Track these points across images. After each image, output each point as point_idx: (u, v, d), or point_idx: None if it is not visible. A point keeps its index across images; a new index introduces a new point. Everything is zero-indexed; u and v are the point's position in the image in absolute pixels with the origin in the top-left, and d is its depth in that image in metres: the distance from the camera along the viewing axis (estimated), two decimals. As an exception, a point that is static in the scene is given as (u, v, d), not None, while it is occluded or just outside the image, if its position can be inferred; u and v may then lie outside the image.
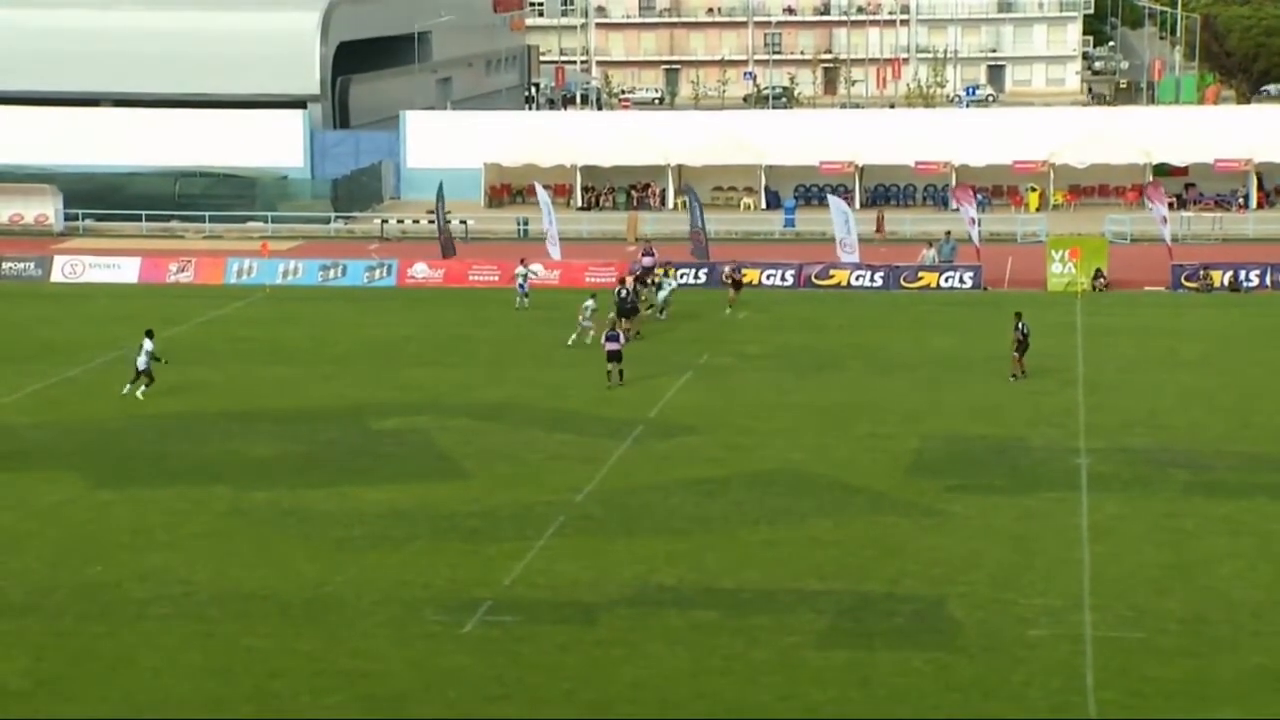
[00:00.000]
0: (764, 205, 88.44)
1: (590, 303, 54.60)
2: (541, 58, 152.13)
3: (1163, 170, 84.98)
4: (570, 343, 54.21)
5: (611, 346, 49.03)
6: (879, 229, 77.90)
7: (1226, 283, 65.45)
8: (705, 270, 68.10)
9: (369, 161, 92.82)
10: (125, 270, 71.30)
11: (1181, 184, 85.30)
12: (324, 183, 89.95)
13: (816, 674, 28.13)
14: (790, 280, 67.63)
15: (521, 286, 62.58)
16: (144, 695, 27.52)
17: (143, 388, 47.44)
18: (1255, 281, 65.60)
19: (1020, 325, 49.63)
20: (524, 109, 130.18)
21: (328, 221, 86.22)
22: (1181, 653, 28.80)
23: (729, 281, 62.33)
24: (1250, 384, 48.02)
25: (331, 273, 70.15)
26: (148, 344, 48.07)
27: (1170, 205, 74.62)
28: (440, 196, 74.30)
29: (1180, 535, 35.21)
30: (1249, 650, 28.84)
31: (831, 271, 67.85)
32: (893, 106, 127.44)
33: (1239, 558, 33.64)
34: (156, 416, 45.88)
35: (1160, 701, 26.83)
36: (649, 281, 61.41)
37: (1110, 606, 30.88)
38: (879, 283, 67.21)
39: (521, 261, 64.13)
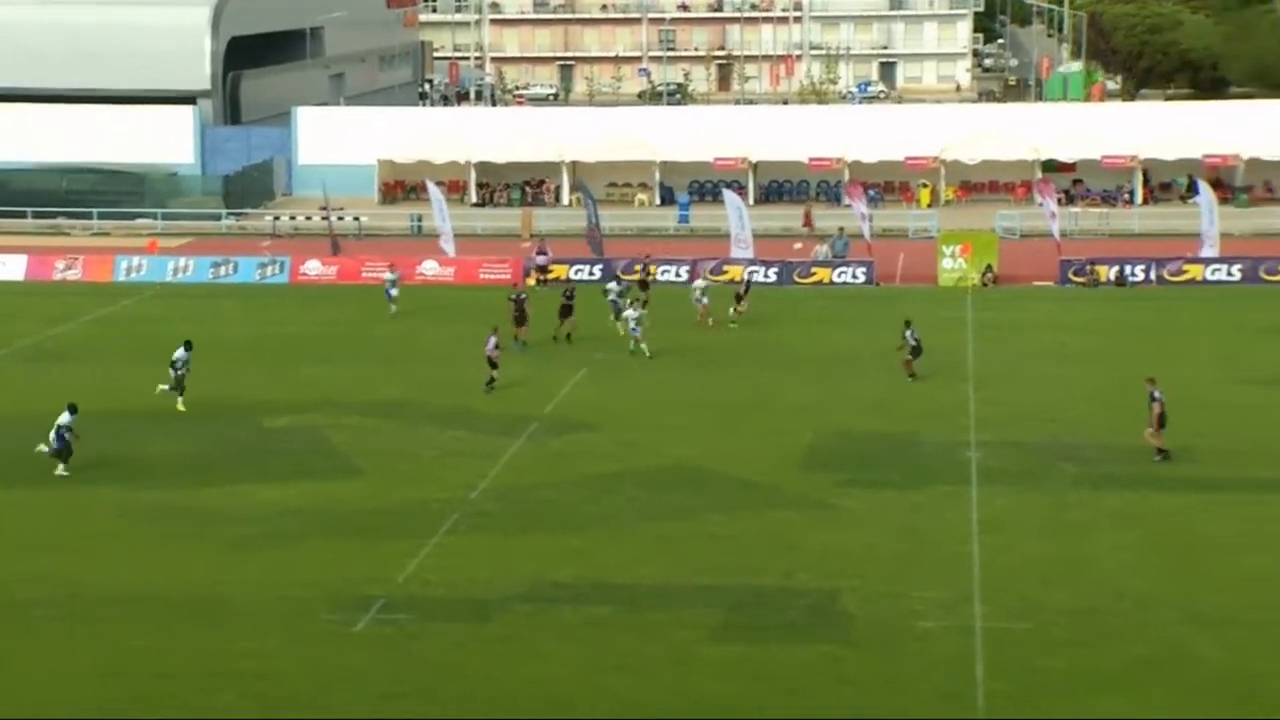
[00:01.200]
0: (659, 201, 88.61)
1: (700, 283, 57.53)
2: (435, 54, 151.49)
3: (1051, 166, 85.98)
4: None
5: (488, 349, 48.43)
6: (807, 223, 78.48)
7: (1113, 277, 66.32)
8: (600, 266, 68.18)
9: (260, 158, 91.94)
10: (11, 268, 70.27)
11: (1069, 180, 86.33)
12: (215, 179, 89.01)
13: (711, 669, 28.24)
14: (685, 276, 67.79)
15: (389, 292, 60.36)
16: (30, 697, 27.16)
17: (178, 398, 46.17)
18: (1141, 276, 66.54)
19: (909, 333, 49.37)
20: (417, 105, 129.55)
21: (219, 218, 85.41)
22: (1069, 644, 29.17)
23: (740, 289, 59.46)
24: (1137, 378, 48.59)
25: (223, 270, 69.51)
26: (180, 353, 46.46)
27: (1059, 201, 75.52)
28: (325, 195, 73.85)
29: (1069, 528, 35.66)
30: (1135, 640, 29.26)
31: (725, 267, 68.10)
32: (786, 103, 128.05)
33: (1126, 549, 34.12)
34: (45, 415, 45.20)
35: (1048, 692, 27.17)
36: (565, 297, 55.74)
37: (1000, 599, 31.22)
38: (773, 278, 67.52)
39: (390, 267, 62.69)
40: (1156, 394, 40.44)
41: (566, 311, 54.80)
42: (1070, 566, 33.09)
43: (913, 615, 30.52)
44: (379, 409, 46.52)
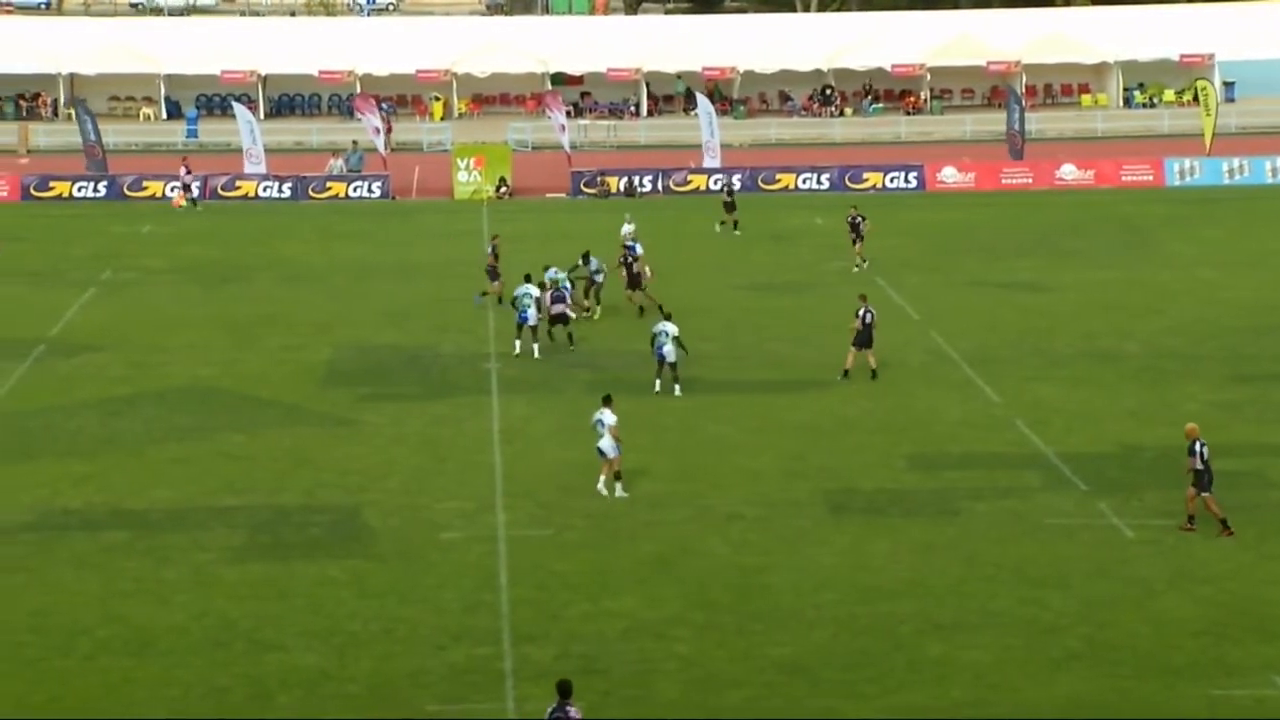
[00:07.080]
0: (165, 115, 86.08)
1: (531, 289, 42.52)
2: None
3: (559, 79, 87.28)
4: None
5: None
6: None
7: (623, 188, 68.06)
8: (105, 184, 66.10)
9: None
10: None
11: (578, 93, 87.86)
12: None
13: (231, 589, 27.96)
14: (196, 192, 66.39)
15: None
16: None
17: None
18: (649, 187, 68.49)
19: (863, 310, 40.49)
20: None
21: None
22: (586, 546, 30.05)
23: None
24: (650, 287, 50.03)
25: None
26: (533, 289, 41.42)
27: (568, 113, 76.88)
28: None
29: (584, 434, 36.36)
30: (645, 540, 30.35)
31: (238, 182, 67.04)
32: (294, 14, 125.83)
33: (638, 452, 35.08)
34: None
35: (566, 594, 27.93)
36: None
37: (520, 506, 31.88)
38: (287, 193, 66.83)
39: None
40: (864, 310, 40.15)
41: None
42: (586, 471, 33.94)
43: (435, 526, 30.86)
44: None
